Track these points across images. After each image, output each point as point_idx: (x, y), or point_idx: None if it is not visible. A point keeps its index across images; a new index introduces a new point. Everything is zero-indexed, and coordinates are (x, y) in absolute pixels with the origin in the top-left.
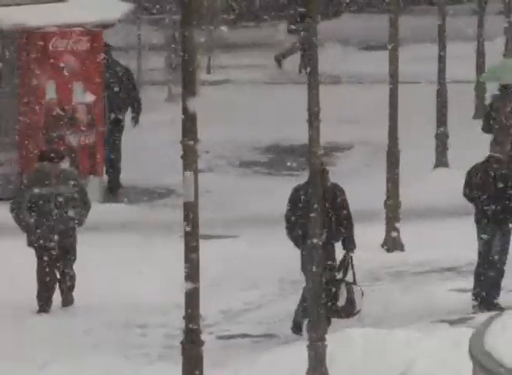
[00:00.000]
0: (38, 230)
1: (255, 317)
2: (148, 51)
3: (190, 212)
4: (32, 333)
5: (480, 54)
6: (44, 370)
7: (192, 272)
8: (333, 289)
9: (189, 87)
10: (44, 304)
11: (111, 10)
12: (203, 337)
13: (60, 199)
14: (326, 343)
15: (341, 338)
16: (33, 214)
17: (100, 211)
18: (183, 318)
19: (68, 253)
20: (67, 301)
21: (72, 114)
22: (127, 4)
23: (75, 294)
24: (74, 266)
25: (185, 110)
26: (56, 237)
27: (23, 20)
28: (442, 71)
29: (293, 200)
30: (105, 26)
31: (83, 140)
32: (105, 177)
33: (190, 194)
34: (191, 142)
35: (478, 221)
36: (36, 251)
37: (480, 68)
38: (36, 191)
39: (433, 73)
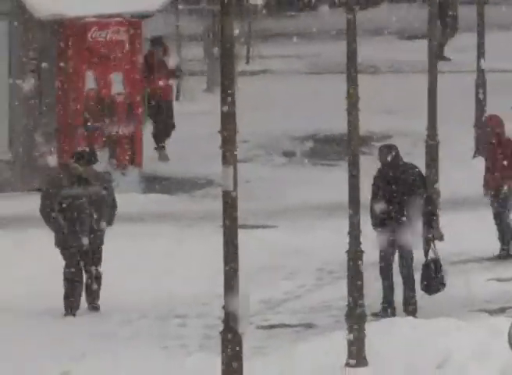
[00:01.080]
0: (67, 231)
1: (294, 307)
2: (187, 42)
3: (229, 201)
4: (69, 325)
5: None
6: (81, 361)
7: (231, 259)
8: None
9: (227, 77)
10: (70, 307)
11: (149, 0)
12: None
13: (90, 201)
14: (365, 332)
15: (380, 327)
16: (62, 214)
17: (140, 202)
18: (223, 307)
19: (94, 254)
20: (93, 307)
21: (111, 104)
22: None
23: (114, 286)
24: (103, 266)
25: (224, 100)
26: (85, 238)
27: (62, 11)
28: (480, 60)
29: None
30: (144, 16)
31: (121, 130)
32: (144, 168)
33: (229, 184)
34: (230, 132)
35: None
36: (63, 252)
37: None
38: (67, 191)
39: (473, 62)
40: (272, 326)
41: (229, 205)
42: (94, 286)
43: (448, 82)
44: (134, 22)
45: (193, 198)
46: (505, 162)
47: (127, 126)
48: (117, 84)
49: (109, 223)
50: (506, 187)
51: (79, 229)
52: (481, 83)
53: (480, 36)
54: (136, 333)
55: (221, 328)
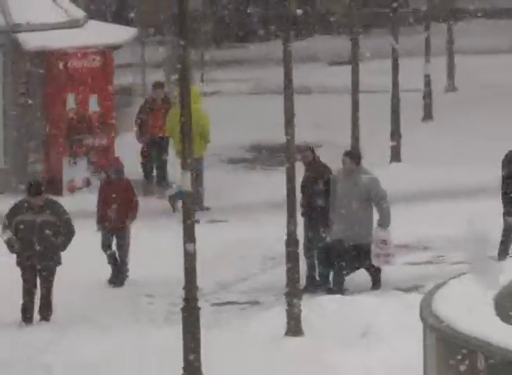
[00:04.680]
0: (19, 252)
1: (242, 287)
2: (151, 68)
3: (187, 200)
4: (96, 301)
5: (427, 68)
6: (67, 331)
7: (190, 248)
8: None
9: (185, 97)
10: (25, 318)
11: (119, 34)
12: (199, 304)
13: (39, 226)
14: (301, 307)
15: (314, 304)
16: (16, 237)
17: None
18: (183, 289)
19: (44, 272)
20: (44, 318)
21: (89, 121)
22: (133, 29)
23: None
24: None
25: (182, 115)
26: (34, 259)
27: (46, 43)
28: (395, 82)
29: None
30: (115, 47)
31: (98, 142)
32: None
33: (187, 186)
34: (188, 143)
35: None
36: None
37: (427, 76)
38: (19, 217)
39: (387, 84)
40: (224, 303)
41: (188, 205)
42: (44, 301)
43: (367, 100)
44: (106, 52)
45: (158, 197)
46: None
47: (102, 138)
48: (93, 104)
49: (63, 247)
50: None
51: (29, 251)
52: (395, 101)
53: (394, 62)
54: (114, 309)
55: (182, 305)
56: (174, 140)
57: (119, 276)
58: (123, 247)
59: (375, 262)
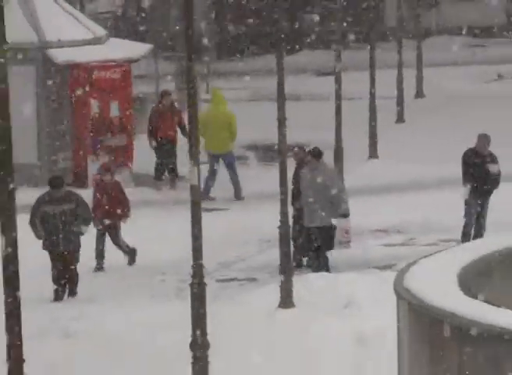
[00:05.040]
0: (44, 238)
1: (241, 266)
2: (163, 79)
3: (195, 191)
4: (114, 281)
5: (399, 78)
6: (92, 305)
7: (197, 233)
8: None
9: (192, 103)
10: (57, 294)
11: (136, 49)
12: (205, 280)
13: (61, 215)
14: (293, 283)
15: (304, 280)
16: (42, 225)
17: (130, 192)
18: (191, 267)
19: (69, 255)
20: (72, 292)
21: (110, 124)
22: (147, 45)
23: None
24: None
25: (190, 120)
26: (59, 244)
27: (73, 57)
28: (372, 90)
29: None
30: (132, 60)
31: (118, 141)
32: (134, 169)
33: (195, 180)
34: (195, 143)
35: None
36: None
37: (400, 85)
38: (44, 207)
39: (366, 91)
40: (226, 280)
41: (195, 195)
42: (70, 280)
43: (348, 106)
44: (125, 65)
45: (168, 189)
46: None
47: (121, 138)
48: (114, 110)
49: (82, 232)
50: None
51: (54, 237)
52: (372, 106)
53: (372, 72)
54: (131, 286)
55: (190, 282)
56: (201, 136)
57: (128, 258)
58: (115, 240)
59: (337, 247)
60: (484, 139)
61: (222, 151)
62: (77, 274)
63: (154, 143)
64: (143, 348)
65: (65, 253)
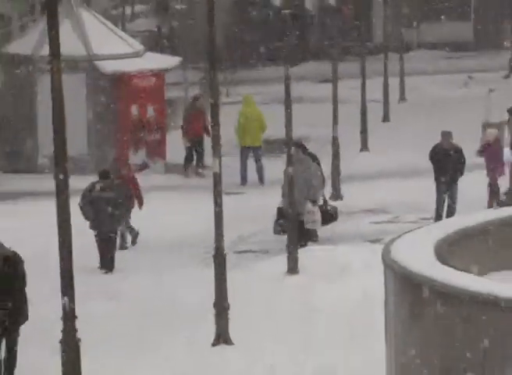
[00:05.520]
0: (92, 220)
1: (255, 240)
2: (191, 86)
3: (217, 178)
4: (147, 254)
5: (385, 85)
6: (157, 274)
7: (218, 212)
8: None
9: (215, 106)
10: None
11: (168, 61)
12: (226, 251)
13: (107, 201)
14: (298, 254)
15: (307, 251)
16: (91, 209)
17: (163, 179)
18: (214, 240)
19: (112, 233)
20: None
21: (147, 123)
22: (177, 58)
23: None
24: None
25: (213, 120)
26: (104, 225)
27: (117, 67)
28: (363, 94)
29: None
30: (165, 70)
31: (153, 137)
32: (166, 160)
33: (217, 168)
34: (217, 139)
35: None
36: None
37: (386, 90)
38: (93, 194)
39: (358, 95)
40: (242, 251)
41: (217, 180)
42: (111, 254)
43: (343, 107)
44: (159, 74)
45: (195, 176)
46: None
47: (156, 135)
48: (150, 111)
49: (124, 216)
50: None
51: (100, 218)
52: (363, 107)
53: (363, 80)
54: (164, 257)
55: (213, 253)
56: (237, 134)
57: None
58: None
59: (307, 226)
60: (446, 135)
61: (255, 144)
62: (116, 248)
63: (187, 143)
64: (174, 306)
65: (109, 233)
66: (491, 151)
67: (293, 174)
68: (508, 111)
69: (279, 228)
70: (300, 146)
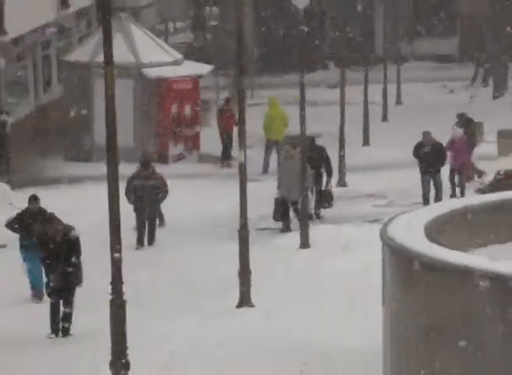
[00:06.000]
0: (135, 204)
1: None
2: (221, 90)
3: (242, 168)
4: (178, 232)
5: (385, 90)
6: (186, 248)
7: (243, 195)
8: None
9: (241, 107)
10: (138, 240)
11: (202, 68)
12: (249, 228)
13: (147, 188)
14: (309, 231)
15: (316, 229)
16: (134, 194)
17: (198, 167)
18: (239, 219)
19: (151, 216)
20: (150, 243)
21: (184, 120)
22: (210, 65)
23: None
24: None
25: (240, 118)
26: (145, 209)
27: (160, 74)
28: (365, 98)
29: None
30: (200, 76)
31: (189, 132)
32: (201, 150)
33: (242, 159)
34: (243, 134)
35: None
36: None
37: (385, 95)
38: (135, 182)
39: (361, 99)
40: (262, 229)
41: (242, 170)
42: (150, 232)
43: (349, 109)
44: (195, 79)
45: (224, 165)
46: None
47: (192, 130)
48: (187, 110)
49: (162, 201)
50: None
51: (141, 204)
52: (366, 109)
53: (365, 86)
54: (193, 233)
55: (238, 229)
56: (265, 130)
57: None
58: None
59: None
60: (426, 135)
61: (279, 139)
62: (156, 227)
63: (224, 136)
64: (205, 276)
65: (149, 215)
66: (455, 147)
67: (289, 168)
68: (457, 116)
69: (278, 215)
70: (294, 144)
